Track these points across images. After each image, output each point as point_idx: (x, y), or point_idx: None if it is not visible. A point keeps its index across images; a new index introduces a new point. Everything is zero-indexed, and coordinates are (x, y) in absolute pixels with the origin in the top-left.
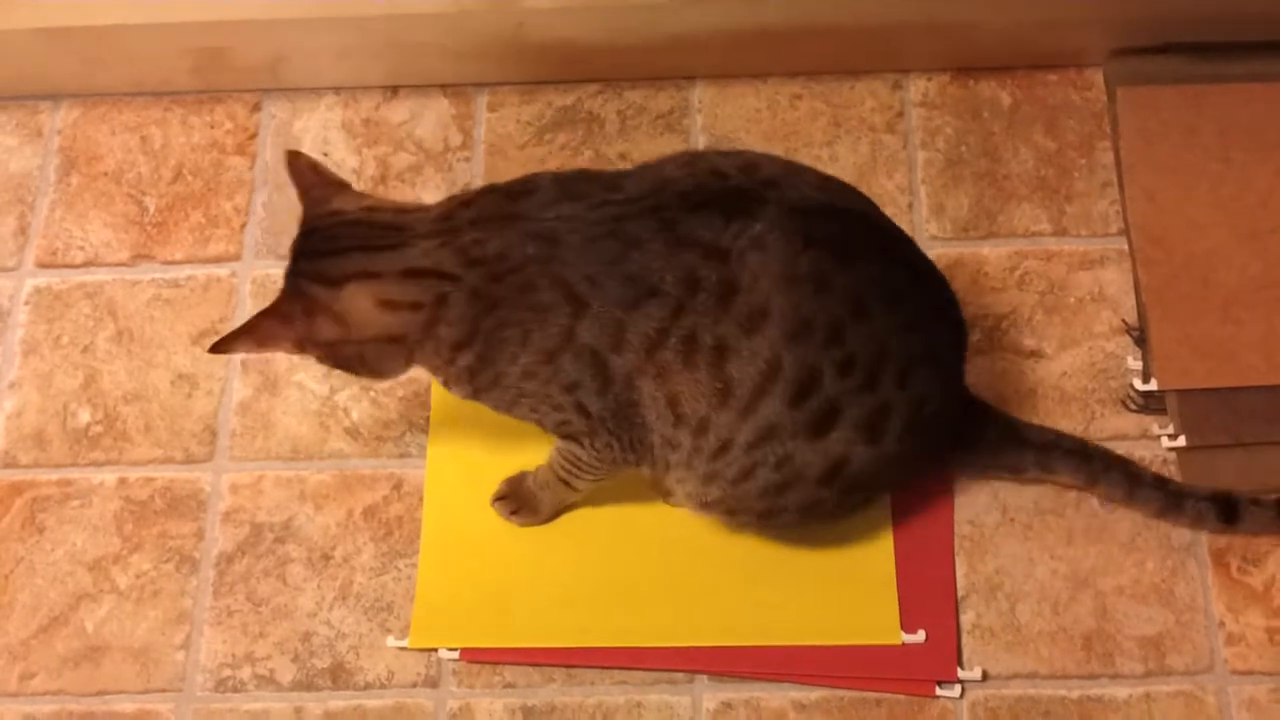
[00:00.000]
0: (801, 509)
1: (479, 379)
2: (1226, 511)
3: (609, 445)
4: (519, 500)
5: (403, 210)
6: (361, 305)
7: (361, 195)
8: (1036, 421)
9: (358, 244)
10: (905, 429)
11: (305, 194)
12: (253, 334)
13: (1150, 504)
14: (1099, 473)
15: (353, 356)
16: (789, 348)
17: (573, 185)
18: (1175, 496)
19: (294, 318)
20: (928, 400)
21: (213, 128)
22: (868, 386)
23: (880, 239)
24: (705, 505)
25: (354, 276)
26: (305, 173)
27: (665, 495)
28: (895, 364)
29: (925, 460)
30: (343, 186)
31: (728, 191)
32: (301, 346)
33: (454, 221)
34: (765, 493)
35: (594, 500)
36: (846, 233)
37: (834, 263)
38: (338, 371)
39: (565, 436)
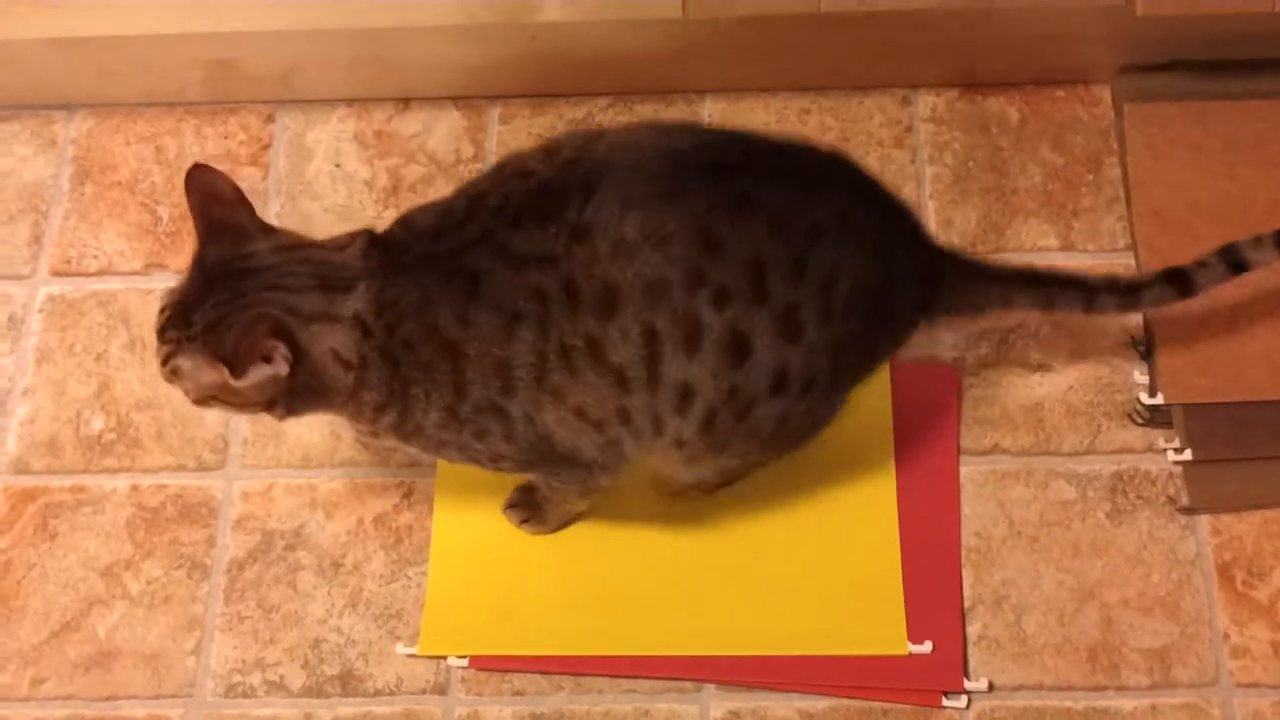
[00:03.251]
0: (779, 419)
1: (402, 430)
2: (1182, 285)
3: (554, 474)
4: (529, 508)
5: (337, 247)
6: (320, 348)
7: (275, 229)
8: (1043, 436)
9: (316, 282)
10: (824, 313)
11: (227, 221)
12: (250, 351)
13: (1110, 308)
14: (1055, 295)
15: (276, 397)
16: (653, 312)
17: (419, 218)
18: (1131, 291)
19: (266, 341)
20: (837, 276)
21: (226, 138)
22: (755, 300)
23: (707, 158)
24: (695, 463)
25: (317, 318)
26: (223, 194)
27: (674, 491)
28: (779, 265)
29: (880, 321)
30: (254, 214)
31: (533, 193)
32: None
33: (370, 263)
34: (736, 423)
35: (603, 509)
36: (664, 175)
37: (660, 212)
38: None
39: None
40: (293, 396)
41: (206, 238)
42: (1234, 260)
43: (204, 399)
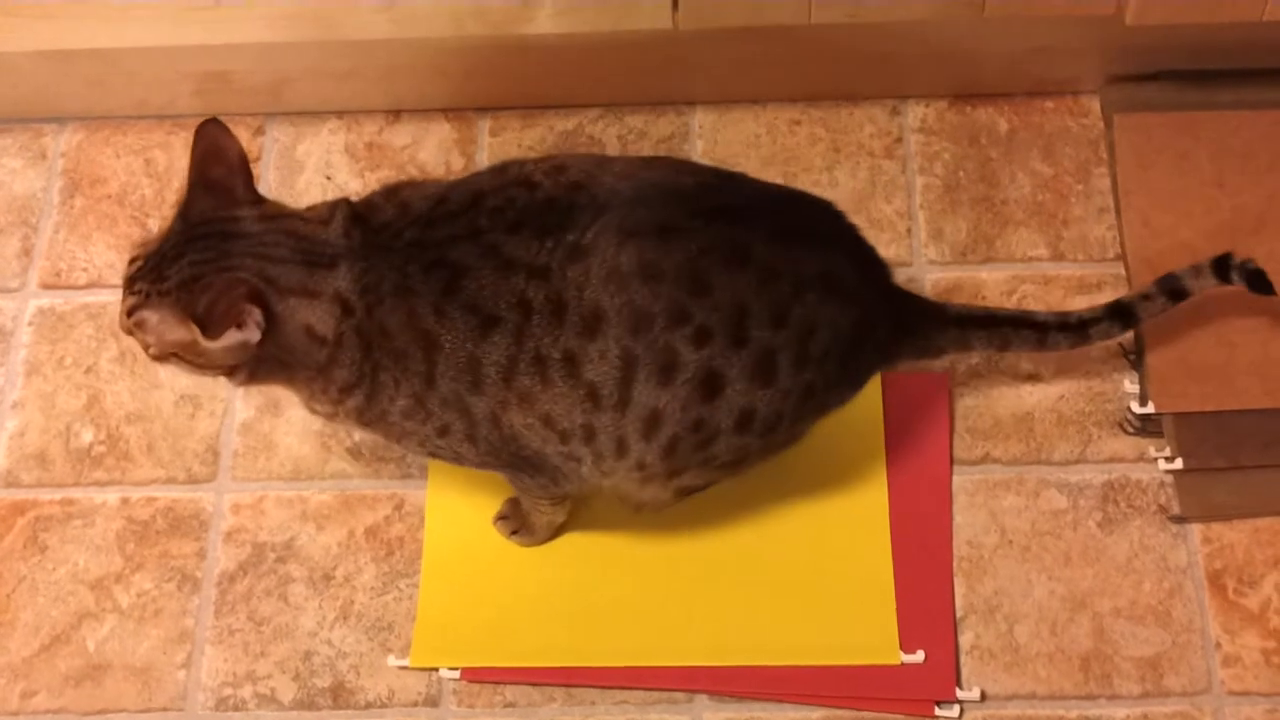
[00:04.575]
0: (738, 450)
1: (366, 416)
2: (1125, 318)
3: (519, 478)
4: (519, 520)
5: (319, 220)
6: (295, 321)
7: (264, 199)
8: (1034, 445)
9: (299, 256)
10: (797, 360)
11: (222, 182)
12: (225, 314)
13: (1061, 346)
14: (1010, 335)
15: (241, 363)
16: (635, 340)
17: (413, 200)
18: (1080, 328)
19: (243, 305)
20: (817, 326)
21: None
22: (735, 344)
23: (709, 201)
24: (650, 485)
25: (295, 291)
26: (227, 155)
27: (635, 508)
28: (763, 313)
29: (852, 367)
30: (250, 182)
31: (537, 205)
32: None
33: (352, 241)
34: (695, 451)
35: (594, 520)
36: (666, 212)
37: (656, 248)
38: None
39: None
40: (258, 364)
41: (196, 192)
42: (1173, 289)
43: (164, 355)
